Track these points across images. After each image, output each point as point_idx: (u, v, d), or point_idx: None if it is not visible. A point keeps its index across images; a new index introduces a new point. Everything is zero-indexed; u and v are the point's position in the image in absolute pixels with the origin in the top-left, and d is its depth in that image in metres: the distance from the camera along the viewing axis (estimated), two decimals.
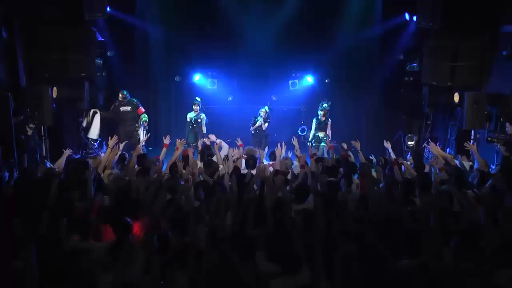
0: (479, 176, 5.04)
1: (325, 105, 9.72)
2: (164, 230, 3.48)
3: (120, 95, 9.60)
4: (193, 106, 9.82)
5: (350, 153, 6.85)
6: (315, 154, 7.04)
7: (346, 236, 3.12)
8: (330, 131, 9.65)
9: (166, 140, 6.54)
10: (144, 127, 9.53)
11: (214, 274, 2.88)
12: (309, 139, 9.74)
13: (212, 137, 7.84)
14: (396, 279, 2.83)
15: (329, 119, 9.69)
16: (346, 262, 2.76)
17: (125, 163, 6.11)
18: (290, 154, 6.78)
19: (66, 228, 3.54)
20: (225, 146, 7.31)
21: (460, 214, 3.86)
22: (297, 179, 5.34)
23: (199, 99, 9.91)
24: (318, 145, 9.32)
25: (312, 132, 9.73)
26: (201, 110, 9.96)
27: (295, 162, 6.36)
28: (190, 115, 9.85)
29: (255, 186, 4.84)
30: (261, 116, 9.95)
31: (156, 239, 3.21)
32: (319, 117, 9.67)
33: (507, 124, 7.44)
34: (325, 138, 9.54)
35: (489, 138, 7.82)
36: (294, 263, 2.98)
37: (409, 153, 9.22)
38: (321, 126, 9.66)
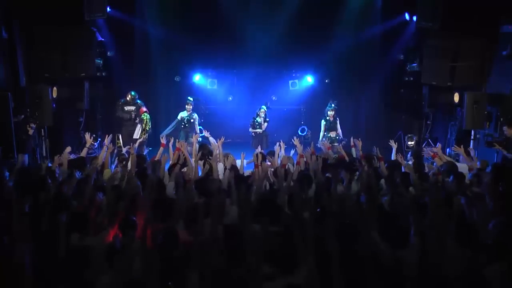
0: (476, 175, 5.07)
1: (333, 105, 9.75)
2: (170, 227, 3.47)
3: (129, 96, 9.52)
4: (186, 106, 9.80)
5: (353, 150, 6.88)
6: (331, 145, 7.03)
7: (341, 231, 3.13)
8: (340, 130, 9.69)
9: (163, 140, 6.56)
10: (141, 125, 9.49)
11: (214, 274, 2.88)
12: (320, 140, 9.73)
13: (206, 133, 7.85)
14: (389, 271, 2.85)
15: (337, 118, 9.73)
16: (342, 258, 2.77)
17: (124, 163, 6.12)
18: (292, 153, 6.78)
19: (65, 226, 3.54)
20: (215, 144, 7.24)
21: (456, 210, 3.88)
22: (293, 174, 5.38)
23: (191, 99, 9.91)
24: (332, 146, 9.29)
25: (322, 133, 9.73)
26: (194, 110, 9.95)
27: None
28: (182, 114, 9.82)
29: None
30: (260, 116, 9.94)
31: (162, 237, 3.21)
32: (327, 118, 9.68)
33: (505, 128, 7.43)
34: (337, 138, 9.55)
35: (488, 141, 7.77)
36: (291, 262, 2.98)
37: (409, 153, 9.21)
38: (331, 126, 9.68)
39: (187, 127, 9.77)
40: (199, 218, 3.39)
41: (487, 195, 4.18)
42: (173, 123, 9.91)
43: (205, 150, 6.49)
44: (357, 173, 5.64)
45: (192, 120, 9.80)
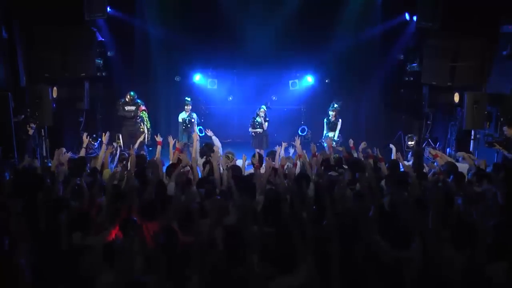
0: (476, 175, 5.08)
1: (336, 105, 9.78)
2: (170, 227, 3.48)
3: (128, 96, 9.58)
4: (185, 107, 9.84)
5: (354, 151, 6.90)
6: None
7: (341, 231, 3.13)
8: (337, 131, 9.71)
9: (159, 138, 6.56)
10: (144, 125, 9.57)
11: (213, 274, 2.88)
12: (322, 139, 9.90)
13: (209, 132, 7.88)
14: (390, 271, 2.85)
15: (340, 119, 9.76)
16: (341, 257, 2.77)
17: (124, 163, 6.13)
18: (292, 152, 6.78)
19: (66, 225, 3.55)
20: (217, 144, 7.24)
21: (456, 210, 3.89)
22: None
23: (189, 99, 9.95)
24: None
25: (325, 132, 9.84)
26: (193, 110, 10.00)
27: (297, 161, 6.37)
28: (183, 116, 9.87)
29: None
30: (260, 116, 9.95)
31: (162, 237, 3.22)
32: (330, 117, 9.72)
33: (505, 128, 7.42)
34: (335, 139, 9.59)
35: (488, 141, 7.74)
36: (290, 262, 2.98)
37: (410, 153, 9.21)
38: (331, 126, 9.73)
39: (188, 128, 9.82)
40: (196, 219, 3.40)
41: (500, 194, 4.17)
42: (180, 128, 9.96)
43: (208, 149, 6.49)
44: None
45: (192, 120, 9.85)
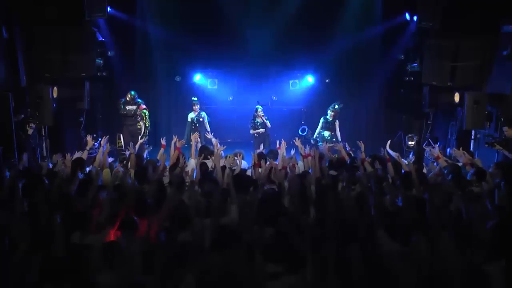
0: (476, 174, 5.08)
1: (336, 106, 9.79)
2: (170, 227, 3.48)
3: (129, 95, 9.64)
4: (193, 107, 9.88)
5: (351, 153, 6.89)
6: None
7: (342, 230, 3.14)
8: (338, 132, 9.73)
9: (163, 141, 6.61)
10: (143, 122, 9.60)
11: (216, 274, 2.88)
12: (313, 137, 9.89)
13: (214, 141, 7.88)
14: (390, 270, 2.86)
15: (337, 120, 9.76)
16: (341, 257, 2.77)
17: (124, 163, 6.14)
18: (293, 152, 6.78)
19: (66, 225, 3.55)
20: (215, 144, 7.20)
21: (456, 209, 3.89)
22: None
23: (196, 99, 9.98)
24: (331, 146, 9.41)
25: (318, 130, 9.85)
26: (200, 109, 10.02)
27: (300, 162, 6.38)
28: (191, 116, 9.91)
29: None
30: (259, 116, 9.96)
31: (162, 237, 3.22)
32: (328, 117, 9.74)
33: (505, 128, 7.41)
34: (328, 138, 9.59)
35: (489, 141, 7.72)
36: (296, 262, 2.98)
37: (411, 153, 9.20)
38: (327, 126, 9.74)
39: (197, 127, 9.85)
40: (191, 218, 3.41)
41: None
42: (187, 128, 9.97)
43: (206, 152, 6.50)
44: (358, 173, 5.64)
45: (201, 119, 9.89)
